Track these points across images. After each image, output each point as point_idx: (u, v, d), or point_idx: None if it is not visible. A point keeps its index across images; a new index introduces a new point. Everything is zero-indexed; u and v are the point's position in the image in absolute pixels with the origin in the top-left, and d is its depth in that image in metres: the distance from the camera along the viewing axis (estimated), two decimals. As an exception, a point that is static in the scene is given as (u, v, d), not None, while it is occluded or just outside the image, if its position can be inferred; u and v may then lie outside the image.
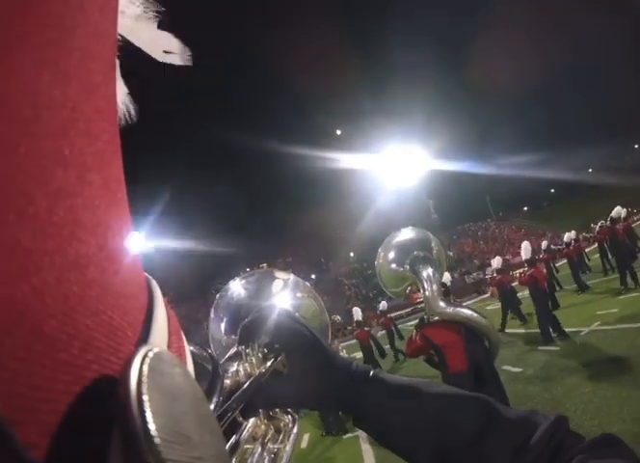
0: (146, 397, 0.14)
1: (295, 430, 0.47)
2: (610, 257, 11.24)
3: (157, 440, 0.13)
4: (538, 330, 7.30)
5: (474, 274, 31.81)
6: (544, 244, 14.35)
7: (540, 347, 6.89)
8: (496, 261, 11.02)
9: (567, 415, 0.42)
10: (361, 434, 5.58)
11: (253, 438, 0.41)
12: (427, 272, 2.86)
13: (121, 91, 0.30)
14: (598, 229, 12.62)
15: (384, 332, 13.30)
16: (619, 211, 10.35)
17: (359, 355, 10.50)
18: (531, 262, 8.24)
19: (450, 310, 3.08)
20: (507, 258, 28.02)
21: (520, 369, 5.99)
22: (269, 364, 0.43)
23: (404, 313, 24.73)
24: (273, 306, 0.56)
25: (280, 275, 0.65)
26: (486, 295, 19.25)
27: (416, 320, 3.69)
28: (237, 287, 0.62)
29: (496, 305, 11.07)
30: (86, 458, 0.14)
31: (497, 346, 3.24)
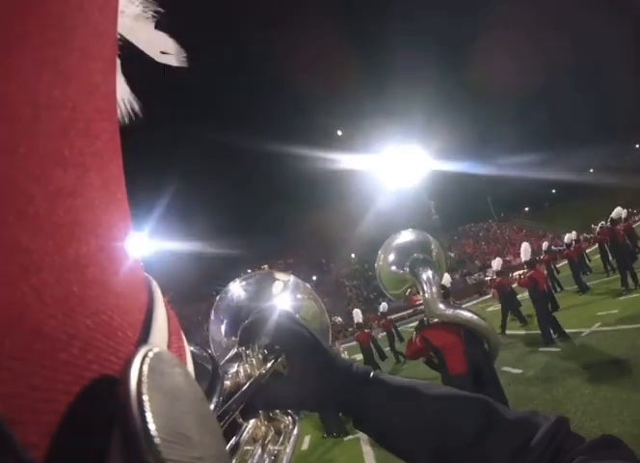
0: (146, 397, 0.14)
1: (295, 432, 0.47)
2: (611, 258, 11.23)
3: (157, 440, 0.13)
4: (538, 331, 7.30)
5: (475, 275, 31.86)
6: (544, 245, 14.38)
7: (540, 349, 6.89)
8: (496, 263, 11.03)
9: (567, 416, 0.42)
10: (362, 436, 5.56)
11: (253, 439, 0.41)
12: (427, 274, 2.87)
13: (124, 89, 0.29)
14: (598, 229, 12.61)
15: (384, 333, 13.29)
16: (619, 212, 10.36)
17: (359, 357, 10.47)
18: (531, 264, 8.26)
19: (450, 312, 3.09)
20: (508, 258, 28.06)
21: (521, 371, 5.98)
22: (269, 365, 0.43)
23: (405, 315, 24.71)
24: (273, 307, 0.56)
25: (281, 276, 0.65)
26: (487, 296, 19.19)
27: (417, 322, 3.69)
28: (237, 289, 0.61)
29: (498, 306, 11.05)
30: (86, 458, 0.14)
31: (497, 348, 3.25)
